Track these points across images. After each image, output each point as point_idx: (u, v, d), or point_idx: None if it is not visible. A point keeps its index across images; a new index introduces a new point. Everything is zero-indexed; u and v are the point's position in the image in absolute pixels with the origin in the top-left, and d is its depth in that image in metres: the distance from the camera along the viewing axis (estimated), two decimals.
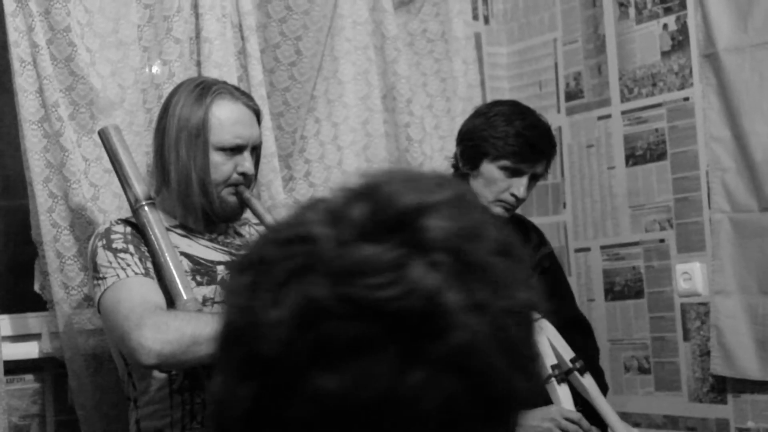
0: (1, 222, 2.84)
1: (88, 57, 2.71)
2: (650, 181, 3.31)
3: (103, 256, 2.35)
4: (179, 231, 2.48)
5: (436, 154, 3.35)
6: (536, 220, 3.35)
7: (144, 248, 2.38)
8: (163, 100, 2.58)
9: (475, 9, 3.67)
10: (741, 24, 3.02)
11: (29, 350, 2.73)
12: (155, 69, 2.87)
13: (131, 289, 2.30)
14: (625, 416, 3.07)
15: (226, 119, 2.42)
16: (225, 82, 2.55)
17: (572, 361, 2.71)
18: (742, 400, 3.09)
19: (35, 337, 2.77)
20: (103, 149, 2.53)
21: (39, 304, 2.76)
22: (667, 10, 3.25)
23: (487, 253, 0.76)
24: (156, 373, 2.38)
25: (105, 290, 2.32)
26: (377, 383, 0.71)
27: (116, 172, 2.47)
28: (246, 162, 2.44)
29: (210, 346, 2.19)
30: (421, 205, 0.75)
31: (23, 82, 2.62)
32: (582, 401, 2.72)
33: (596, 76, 3.48)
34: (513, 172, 2.73)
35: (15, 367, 2.69)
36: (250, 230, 2.64)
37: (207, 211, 2.44)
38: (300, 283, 0.73)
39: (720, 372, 3.10)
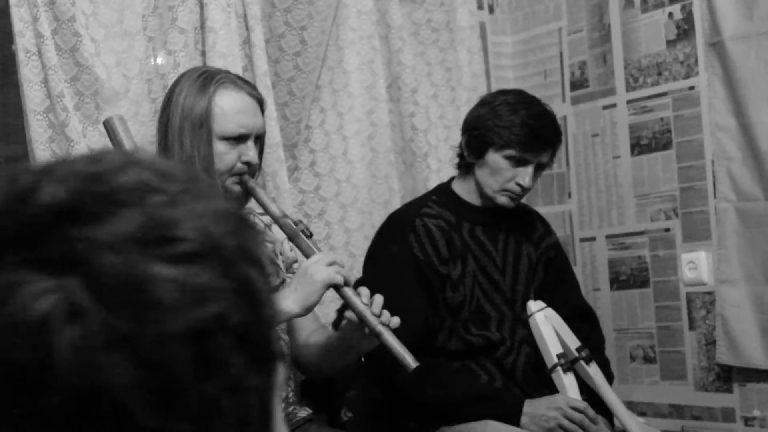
0: None
1: (93, 47, 2.71)
2: (655, 171, 3.31)
3: None
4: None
5: (441, 143, 3.35)
6: (541, 209, 3.34)
7: None
8: (167, 90, 2.58)
9: None
10: (746, 12, 3.01)
11: None
12: (160, 59, 2.87)
13: None
14: (630, 405, 3.07)
15: (229, 108, 2.42)
16: (228, 72, 2.54)
17: (578, 350, 2.72)
18: (747, 389, 3.09)
19: None
20: (108, 139, 2.53)
21: None
22: None
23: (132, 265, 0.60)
24: None
25: None
26: None
27: None
28: (250, 151, 2.43)
29: None
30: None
31: (28, 72, 2.62)
32: (588, 390, 2.72)
33: (601, 65, 3.47)
34: (518, 162, 2.72)
35: None
36: (255, 220, 2.64)
37: None
38: None
39: (726, 361, 3.10)
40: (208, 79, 2.44)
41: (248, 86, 2.50)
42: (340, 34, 3.19)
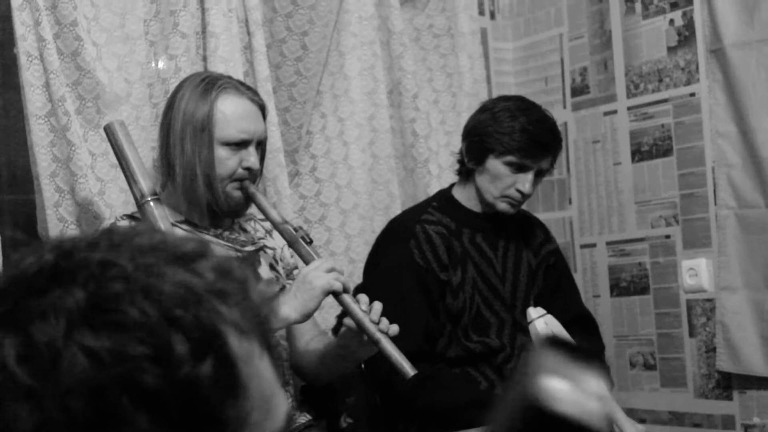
0: (8, 216, 2.84)
1: (94, 51, 2.71)
2: (656, 177, 3.31)
3: None
4: (184, 226, 2.47)
5: (442, 149, 3.35)
6: (542, 215, 3.35)
7: None
8: (168, 95, 2.58)
9: (481, 4, 3.67)
10: (747, 19, 3.02)
11: None
12: (161, 64, 2.87)
13: None
14: (630, 412, 3.07)
15: (231, 114, 2.42)
16: (230, 77, 2.54)
17: None
18: (747, 397, 3.09)
19: None
20: (109, 145, 2.53)
21: None
22: (674, 6, 3.25)
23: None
24: None
25: None
26: None
27: (122, 168, 2.47)
28: (251, 157, 2.44)
29: None
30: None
31: (30, 76, 2.61)
32: None
33: (602, 71, 3.48)
34: (518, 168, 2.72)
35: None
36: (255, 226, 2.64)
37: (212, 206, 2.44)
38: None
39: (726, 368, 3.10)
40: (210, 84, 2.44)
41: (250, 92, 2.50)
42: (341, 40, 3.19)
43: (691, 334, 3.23)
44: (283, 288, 2.49)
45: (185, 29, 2.86)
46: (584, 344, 2.78)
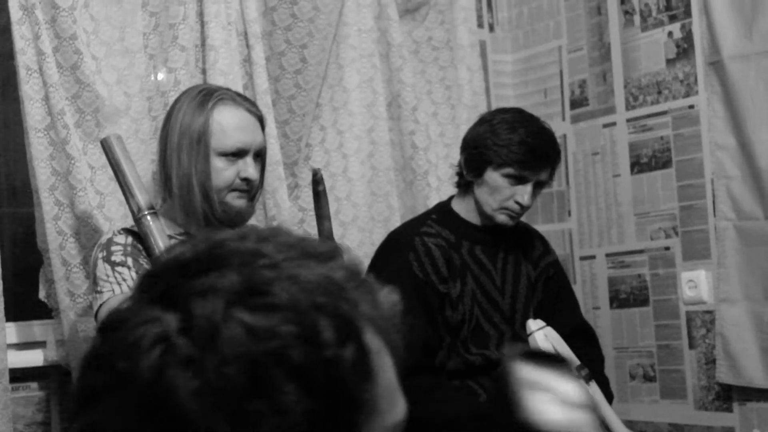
0: (7, 229, 2.84)
1: (93, 65, 2.71)
2: (655, 189, 3.31)
3: (102, 269, 2.36)
4: (182, 239, 2.47)
5: (441, 161, 3.36)
6: (541, 227, 3.35)
7: (143, 260, 2.38)
8: (168, 108, 2.58)
9: (480, 17, 3.68)
10: (746, 32, 3.02)
11: (34, 358, 2.73)
12: (161, 77, 2.87)
13: None
14: (630, 424, 3.06)
15: (227, 124, 2.42)
16: (228, 89, 2.55)
17: (577, 369, 2.71)
18: (747, 409, 3.09)
19: (40, 344, 2.77)
20: (105, 158, 2.53)
21: (44, 311, 2.76)
22: (672, 18, 3.25)
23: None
24: None
25: (101, 305, 2.33)
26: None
27: (119, 182, 2.47)
28: (249, 168, 2.43)
29: None
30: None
31: (29, 89, 2.62)
32: None
33: (601, 83, 3.48)
34: (517, 180, 2.73)
35: (20, 375, 2.69)
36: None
37: (209, 217, 2.44)
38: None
39: (725, 380, 3.10)
40: (207, 96, 2.44)
41: (247, 103, 2.50)
42: (340, 53, 3.20)
43: (691, 346, 3.23)
44: None
45: (184, 42, 2.86)
46: (583, 356, 2.78)
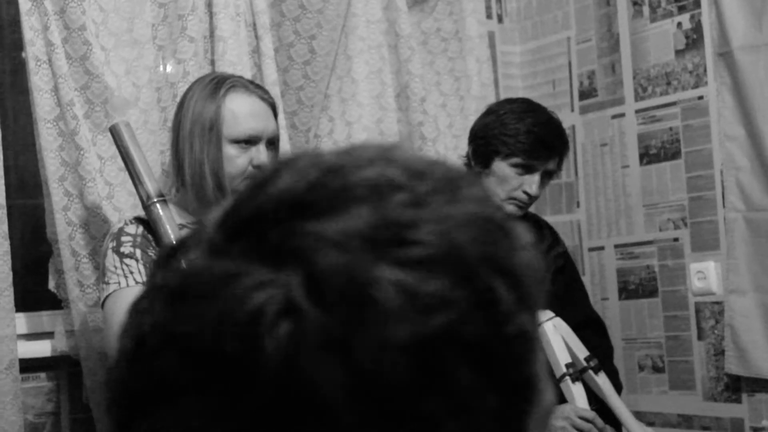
0: (17, 221, 2.85)
1: (102, 56, 2.71)
2: (664, 180, 3.31)
3: (111, 260, 2.36)
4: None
5: (450, 152, 3.35)
6: (550, 218, 3.34)
7: (152, 252, 2.38)
8: (178, 99, 2.58)
9: (488, 8, 3.67)
10: (756, 22, 3.01)
11: (44, 348, 2.74)
12: (169, 68, 2.88)
13: (124, 303, 2.27)
14: (639, 415, 3.07)
15: (239, 111, 2.42)
16: (240, 77, 2.55)
17: (586, 359, 2.71)
18: (756, 399, 3.08)
19: (50, 335, 2.77)
20: (114, 146, 2.53)
21: (54, 302, 2.76)
22: (681, 9, 3.25)
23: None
24: None
25: (107, 296, 2.33)
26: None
27: (127, 170, 2.46)
28: (261, 155, 2.43)
29: None
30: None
31: (38, 80, 2.62)
32: (596, 400, 2.72)
33: (610, 74, 3.47)
34: (525, 170, 2.72)
35: (30, 365, 2.70)
36: None
37: None
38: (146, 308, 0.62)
39: (734, 371, 3.09)
40: (219, 83, 2.44)
41: (260, 90, 2.50)
42: (349, 44, 3.19)
43: (700, 337, 3.22)
44: None
45: (193, 33, 2.86)
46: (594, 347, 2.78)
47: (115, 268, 2.35)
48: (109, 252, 2.37)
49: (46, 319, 2.83)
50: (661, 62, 3.31)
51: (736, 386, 3.13)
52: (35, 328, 2.82)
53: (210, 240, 0.59)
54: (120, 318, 2.43)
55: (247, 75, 2.88)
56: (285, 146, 2.95)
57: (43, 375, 2.76)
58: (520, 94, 3.54)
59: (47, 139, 2.63)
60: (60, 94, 2.62)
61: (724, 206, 3.13)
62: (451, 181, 0.60)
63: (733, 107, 3.08)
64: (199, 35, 2.88)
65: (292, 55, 3.07)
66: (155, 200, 2.38)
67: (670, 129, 3.29)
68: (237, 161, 2.41)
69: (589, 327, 2.89)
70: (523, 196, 2.74)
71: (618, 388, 2.82)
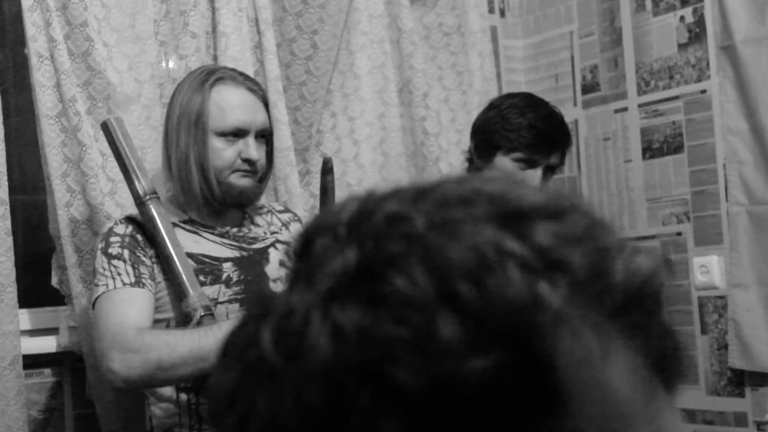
0: (19, 217, 2.85)
1: (105, 52, 2.72)
2: (667, 174, 3.30)
3: (100, 261, 2.34)
4: (187, 226, 2.44)
5: (453, 147, 3.35)
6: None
7: (140, 252, 2.35)
8: None
9: (490, 2, 3.67)
10: (758, 16, 3.01)
11: (48, 344, 2.74)
12: (172, 63, 2.88)
13: (112, 305, 2.28)
14: None
15: (225, 104, 2.40)
16: (230, 69, 2.53)
17: None
18: (760, 394, 3.08)
19: (53, 331, 2.78)
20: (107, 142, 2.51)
21: (57, 298, 2.77)
22: (684, 2, 3.24)
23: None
24: None
25: (96, 298, 2.32)
26: None
27: (120, 166, 2.44)
28: (250, 148, 2.40)
29: (180, 368, 2.18)
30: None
31: (41, 77, 2.63)
32: None
33: (613, 68, 3.47)
34: (527, 164, 2.72)
35: (33, 362, 2.70)
36: (271, 219, 2.61)
37: (208, 199, 2.42)
38: None
39: (738, 365, 3.09)
40: (207, 75, 2.43)
41: (249, 82, 2.48)
42: (351, 39, 3.19)
43: (703, 332, 3.22)
44: None
45: (195, 29, 2.86)
46: None
47: (104, 269, 2.33)
48: (99, 253, 2.36)
49: (49, 315, 2.83)
50: (664, 56, 3.30)
51: (739, 380, 3.13)
52: (38, 325, 2.82)
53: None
54: (107, 322, 2.39)
55: (250, 70, 2.88)
56: (287, 142, 2.95)
57: (46, 371, 2.76)
58: (523, 89, 3.53)
59: (50, 135, 2.64)
60: (62, 91, 2.63)
61: (727, 200, 3.12)
62: (474, 213, 0.56)
63: (736, 101, 3.08)
64: (202, 31, 2.89)
65: (294, 50, 3.07)
66: (147, 198, 2.36)
67: (673, 123, 3.28)
68: (224, 154, 2.39)
69: None
70: None
71: None
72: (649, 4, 3.34)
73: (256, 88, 2.47)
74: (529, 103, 2.77)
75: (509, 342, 0.51)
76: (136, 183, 2.37)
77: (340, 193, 3.15)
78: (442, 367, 0.51)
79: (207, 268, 2.38)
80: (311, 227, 0.59)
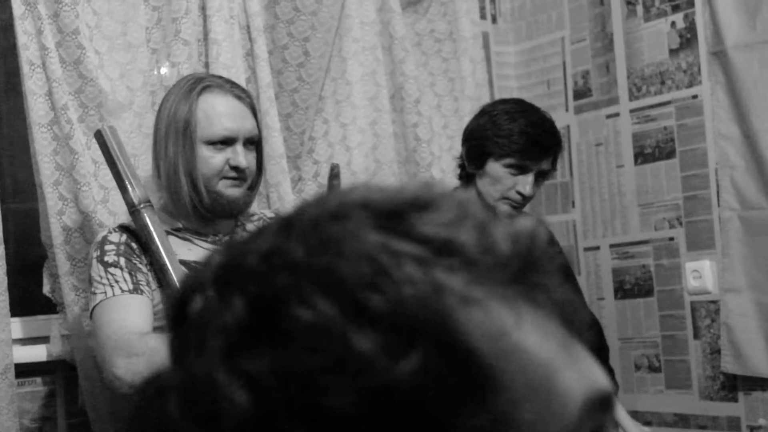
0: (11, 225, 2.85)
1: (96, 59, 2.71)
2: (659, 180, 3.31)
3: (96, 269, 2.34)
4: (180, 234, 2.45)
5: (444, 153, 3.36)
6: (545, 219, 3.34)
7: (136, 260, 2.35)
8: None
9: (482, 8, 3.67)
10: (749, 21, 3.02)
11: (40, 353, 2.73)
12: (164, 71, 2.88)
13: (112, 312, 2.28)
14: (635, 415, 3.07)
15: (212, 112, 2.39)
16: (218, 76, 2.53)
17: None
18: (753, 398, 3.09)
19: (45, 339, 2.77)
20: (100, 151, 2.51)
21: (49, 306, 2.76)
22: (675, 8, 3.25)
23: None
24: None
25: (94, 307, 2.31)
26: None
27: (113, 174, 2.43)
28: (239, 156, 2.39)
29: None
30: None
31: (32, 85, 2.62)
32: None
33: (604, 74, 3.48)
34: (518, 170, 2.72)
35: (26, 370, 2.70)
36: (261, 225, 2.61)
37: (197, 207, 2.41)
38: None
39: (731, 370, 3.10)
40: (194, 84, 2.42)
41: (236, 89, 2.47)
42: (343, 45, 3.19)
43: (696, 336, 3.23)
44: None
45: (187, 36, 2.86)
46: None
47: (101, 277, 2.33)
48: (94, 262, 2.35)
49: (41, 323, 2.83)
50: (656, 61, 3.31)
51: (732, 385, 3.13)
52: (30, 333, 2.81)
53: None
54: (108, 329, 2.40)
55: (242, 78, 2.88)
56: (279, 149, 2.95)
57: (38, 380, 2.76)
58: (515, 95, 3.54)
59: (41, 143, 2.63)
60: (54, 98, 2.62)
61: (719, 205, 3.13)
62: (348, 225, 0.55)
63: (727, 106, 3.08)
64: (193, 38, 2.89)
65: (286, 57, 3.07)
66: (140, 206, 2.36)
67: (665, 128, 3.29)
68: (212, 162, 2.38)
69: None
70: (517, 197, 2.74)
71: (614, 387, 2.82)
72: (640, 9, 3.35)
73: (243, 95, 2.46)
74: (520, 108, 2.77)
75: (426, 336, 0.51)
76: (130, 191, 2.37)
77: None
78: (371, 381, 0.50)
79: None
80: (179, 296, 0.57)
